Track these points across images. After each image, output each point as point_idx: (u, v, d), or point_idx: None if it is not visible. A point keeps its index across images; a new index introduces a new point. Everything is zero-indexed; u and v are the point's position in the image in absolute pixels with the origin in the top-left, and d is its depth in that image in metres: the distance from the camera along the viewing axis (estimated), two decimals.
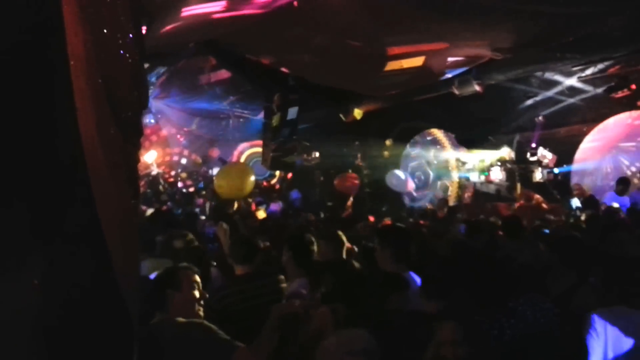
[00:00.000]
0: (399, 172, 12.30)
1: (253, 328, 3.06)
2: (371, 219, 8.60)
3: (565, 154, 10.63)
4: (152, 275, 3.49)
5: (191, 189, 14.56)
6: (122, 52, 1.97)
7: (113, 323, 1.97)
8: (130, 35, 1.98)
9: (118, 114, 1.94)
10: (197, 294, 2.85)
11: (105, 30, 1.93)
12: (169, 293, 2.79)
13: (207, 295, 2.99)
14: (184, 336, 2.62)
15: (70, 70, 1.83)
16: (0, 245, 2.07)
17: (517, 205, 9.76)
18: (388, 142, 13.28)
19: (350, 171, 12.64)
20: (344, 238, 4.19)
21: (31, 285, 2.13)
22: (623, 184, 8.16)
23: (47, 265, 2.11)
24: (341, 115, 11.41)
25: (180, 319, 2.70)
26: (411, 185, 12.29)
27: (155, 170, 14.69)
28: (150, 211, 8.16)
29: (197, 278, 2.90)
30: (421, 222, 8.02)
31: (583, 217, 7.25)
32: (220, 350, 2.61)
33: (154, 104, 13.32)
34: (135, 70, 2.02)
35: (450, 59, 8.41)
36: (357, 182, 12.07)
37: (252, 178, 10.17)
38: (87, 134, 1.83)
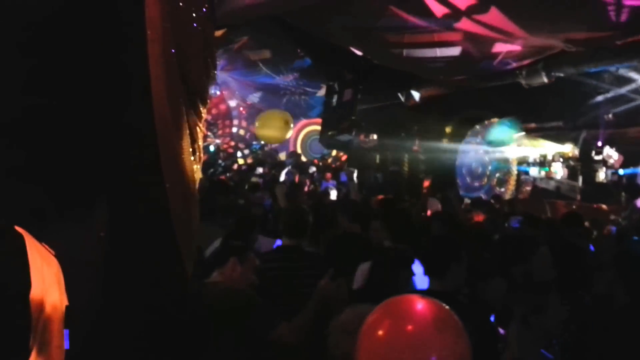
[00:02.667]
0: None
1: (287, 297, 3.23)
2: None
3: (632, 155, 10.18)
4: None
5: (249, 160, 14.86)
6: (195, 24, 2.08)
7: (170, 277, 2.11)
8: (204, 9, 2.08)
9: (187, 83, 2.06)
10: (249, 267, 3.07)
11: (180, 3, 2.04)
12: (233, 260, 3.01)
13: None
14: (228, 301, 2.81)
15: (147, 38, 1.96)
16: (72, 199, 2.25)
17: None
18: (448, 129, 13.08)
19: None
20: None
21: (98, 237, 2.32)
22: None
23: (113, 219, 2.28)
24: (402, 98, 11.33)
25: (230, 285, 2.90)
26: None
27: (215, 141, 15.08)
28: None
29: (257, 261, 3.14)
30: (473, 213, 7.93)
31: None
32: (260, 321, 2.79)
33: (220, 75, 13.63)
34: (206, 43, 2.13)
35: (519, 48, 8.18)
36: None
37: (290, 124, 11.28)
38: (158, 99, 1.95)
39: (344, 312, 2.06)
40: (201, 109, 2.17)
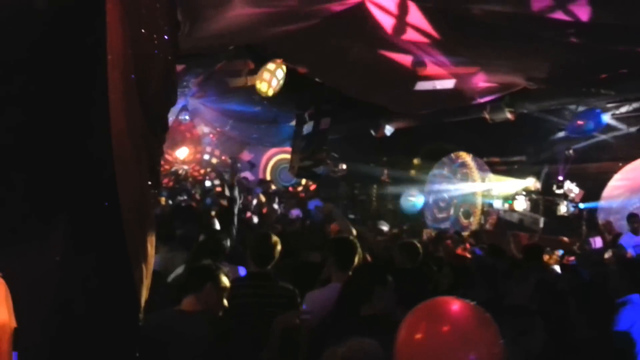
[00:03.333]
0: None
1: (259, 325, 3.21)
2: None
3: (592, 190, 10.50)
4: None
5: (218, 189, 14.78)
6: (156, 51, 2.13)
7: (122, 299, 2.11)
8: (166, 36, 2.13)
9: (147, 108, 2.09)
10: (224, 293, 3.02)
11: (143, 30, 2.08)
12: (205, 283, 2.95)
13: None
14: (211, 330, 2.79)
15: (107, 63, 2.00)
16: (27, 223, 2.24)
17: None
18: (416, 161, 13.31)
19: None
20: None
21: (53, 261, 2.30)
22: (635, 220, 7.58)
23: (67, 243, 2.27)
24: (371, 130, 11.51)
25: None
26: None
27: (184, 167, 14.98)
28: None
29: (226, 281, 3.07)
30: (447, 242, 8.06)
31: (606, 256, 7.11)
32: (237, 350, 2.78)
33: (191, 102, 13.62)
34: (167, 69, 2.17)
35: (483, 84, 8.43)
36: None
37: None
38: (116, 123, 1.98)
39: (346, 346, 2.03)
40: (161, 133, 2.20)
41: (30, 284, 2.22)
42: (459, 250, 7.16)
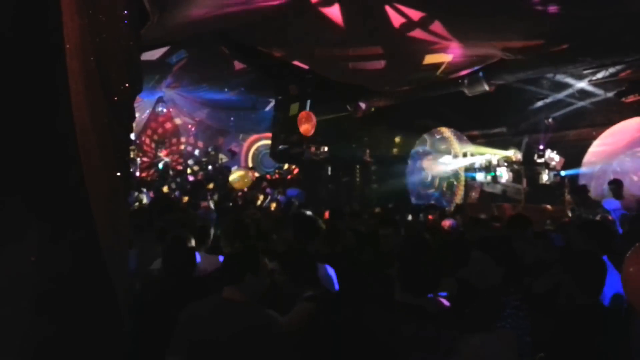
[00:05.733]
0: None
1: None
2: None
3: (573, 157, 10.55)
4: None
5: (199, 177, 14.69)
6: (117, 38, 2.05)
7: (99, 295, 2.06)
8: (126, 21, 2.05)
9: (110, 97, 2.02)
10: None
11: (101, 16, 2.00)
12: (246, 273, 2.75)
13: None
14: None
15: (65, 52, 1.92)
16: (1, 224, 2.18)
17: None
18: (397, 139, 13.29)
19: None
20: None
21: (28, 260, 2.24)
22: (615, 184, 7.66)
23: (42, 241, 2.21)
24: (350, 110, 11.46)
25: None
26: None
27: (164, 159, 14.85)
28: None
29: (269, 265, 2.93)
30: (429, 217, 8.06)
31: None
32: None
33: (167, 92, 13.46)
34: (129, 56, 2.09)
35: (459, 58, 8.40)
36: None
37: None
38: (79, 115, 1.91)
39: None
40: (127, 122, 2.14)
41: (6, 285, 2.18)
42: (445, 223, 7.16)
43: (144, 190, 10.66)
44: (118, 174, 2.07)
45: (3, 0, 1.86)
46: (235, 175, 13.29)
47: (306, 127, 10.65)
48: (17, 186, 2.16)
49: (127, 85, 2.09)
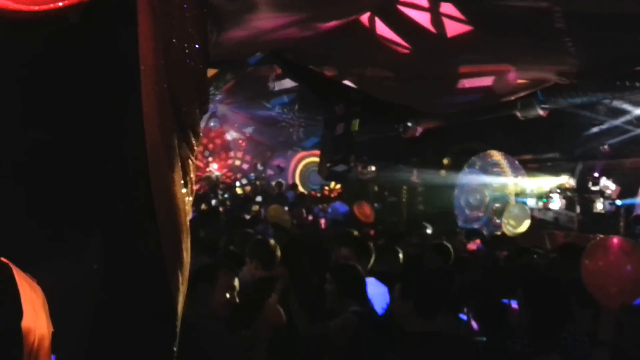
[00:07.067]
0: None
1: None
2: None
3: (629, 186, 10.22)
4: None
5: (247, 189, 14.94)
6: (187, 60, 2.15)
7: (159, 306, 2.13)
8: (197, 45, 2.15)
9: (179, 117, 2.12)
10: (227, 295, 2.89)
11: (174, 40, 2.11)
12: (203, 287, 2.86)
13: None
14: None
15: (140, 74, 2.03)
16: (67, 233, 2.29)
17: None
18: (445, 161, 13.17)
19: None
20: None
21: (91, 269, 2.35)
22: None
23: (105, 252, 2.32)
24: (400, 131, 11.45)
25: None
26: None
27: (215, 174, 15.16)
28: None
29: (236, 282, 2.96)
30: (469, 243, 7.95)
31: None
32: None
33: (219, 108, 13.79)
34: (198, 78, 2.19)
35: (514, 82, 8.29)
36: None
37: None
38: (150, 133, 2.01)
39: None
40: (193, 141, 2.23)
41: (67, 292, 2.27)
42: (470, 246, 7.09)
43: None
44: (183, 190, 2.16)
45: (86, 24, 1.98)
46: None
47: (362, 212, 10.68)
48: (86, 196, 2.27)
49: (195, 106, 2.18)
